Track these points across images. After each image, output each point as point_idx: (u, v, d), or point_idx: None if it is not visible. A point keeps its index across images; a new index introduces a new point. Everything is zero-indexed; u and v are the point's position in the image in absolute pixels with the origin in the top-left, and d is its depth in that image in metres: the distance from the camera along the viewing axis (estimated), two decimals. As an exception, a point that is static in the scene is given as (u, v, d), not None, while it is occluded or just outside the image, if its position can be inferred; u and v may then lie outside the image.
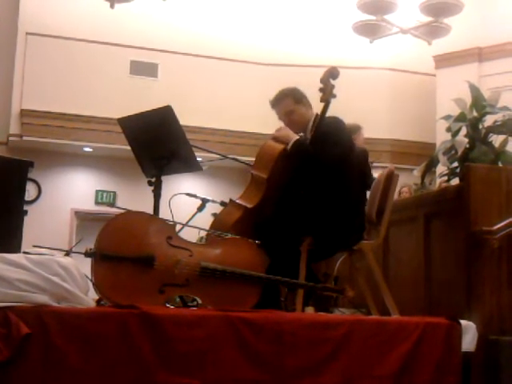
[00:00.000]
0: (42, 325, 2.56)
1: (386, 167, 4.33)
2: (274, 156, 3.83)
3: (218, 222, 3.77)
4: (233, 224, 3.66)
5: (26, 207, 3.68)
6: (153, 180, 3.81)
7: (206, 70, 10.87)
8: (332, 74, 3.86)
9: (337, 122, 3.90)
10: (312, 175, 3.81)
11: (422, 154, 8.99)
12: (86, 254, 2.92)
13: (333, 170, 3.77)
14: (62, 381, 2.56)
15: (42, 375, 2.53)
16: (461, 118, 5.15)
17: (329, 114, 3.89)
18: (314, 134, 3.84)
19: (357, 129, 5.74)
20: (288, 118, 4.00)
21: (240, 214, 3.73)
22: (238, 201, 3.83)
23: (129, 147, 4.00)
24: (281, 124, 4.08)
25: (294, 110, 3.99)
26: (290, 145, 3.82)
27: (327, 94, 3.83)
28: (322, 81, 3.87)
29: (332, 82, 3.85)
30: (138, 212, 3.15)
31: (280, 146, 3.86)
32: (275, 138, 3.92)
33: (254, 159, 3.98)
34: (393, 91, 11.13)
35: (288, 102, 4.01)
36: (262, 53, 11.04)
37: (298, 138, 3.87)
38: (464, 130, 5.17)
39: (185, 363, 2.77)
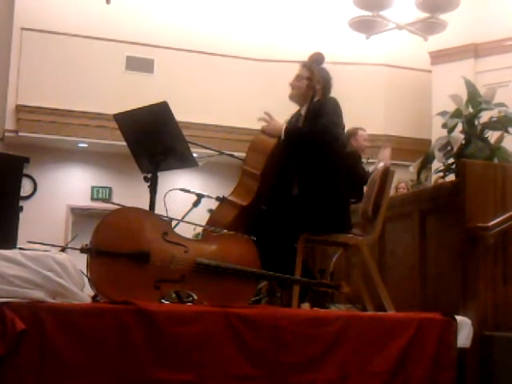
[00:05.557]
0: (38, 321, 2.56)
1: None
2: (267, 151, 3.81)
3: (213, 222, 3.74)
4: (229, 223, 3.64)
5: (21, 203, 3.66)
6: (149, 176, 3.81)
7: (202, 65, 10.85)
8: (317, 59, 3.85)
9: (333, 102, 3.89)
10: (303, 165, 3.80)
11: (417, 150, 8.99)
12: (82, 250, 2.92)
13: (326, 146, 3.76)
14: (58, 376, 2.56)
15: (38, 371, 2.53)
16: (457, 114, 5.15)
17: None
18: (305, 116, 3.86)
19: (353, 132, 5.78)
20: (294, 81, 3.98)
21: (236, 213, 3.71)
22: (231, 198, 3.81)
23: (125, 143, 3.99)
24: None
25: (305, 80, 3.93)
26: (283, 133, 3.81)
27: (314, 80, 3.84)
28: (307, 67, 3.87)
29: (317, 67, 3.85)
30: (133, 208, 3.15)
31: (273, 141, 3.84)
32: (265, 132, 3.91)
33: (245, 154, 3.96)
34: (389, 87, 11.13)
35: (306, 72, 3.95)
36: (258, 49, 11.03)
37: (286, 125, 3.87)
38: (460, 127, 5.17)
39: (180, 359, 2.77)
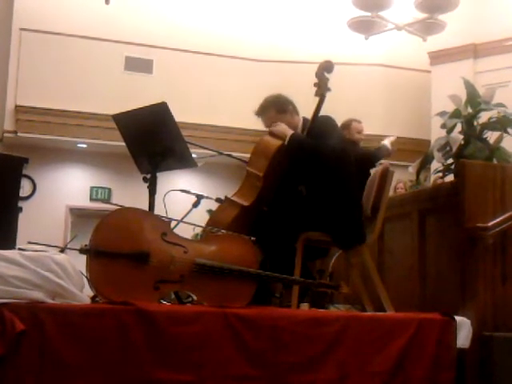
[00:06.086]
0: (37, 321, 2.56)
1: (381, 163, 4.35)
2: (270, 153, 3.82)
3: (214, 221, 3.75)
4: (229, 222, 3.65)
5: (20, 204, 3.67)
6: (148, 176, 3.81)
7: (202, 66, 10.86)
8: (326, 67, 3.86)
9: (329, 119, 3.90)
10: (309, 170, 3.81)
11: (416, 151, 8.99)
12: (81, 251, 2.92)
13: (329, 163, 3.77)
14: (57, 377, 2.56)
15: (37, 371, 2.52)
16: (456, 114, 5.14)
17: (323, 110, 3.89)
18: (308, 131, 3.85)
19: (347, 124, 5.76)
20: (274, 128, 3.96)
21: (236, 213, 3.71)
22: (233, 198, 3.81)
23: (124, 143, 3.99)
24: None
25: (277, 121, 3.96)
26: (287, 139, 3.81)
27: (322, 87, 3.83)
28: (316, 75, 3.87)
29: (327, 75, 3.85)
30: (132, 208, 3.15)
31: (277, 143, 3.84)
32: (272, 133, 3.92)
33: (249, 155, 3.97)
34: (388, 88, 11.14)
35: (271, 114, 4.00)
36: (258, 49, 11.04)
37: (293, 132, 3.87)
38: (459, 127, 5.17)
39: (180, 359, 2.77)
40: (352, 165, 3.96)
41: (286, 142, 3.81)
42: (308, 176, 3.82)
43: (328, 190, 3.77)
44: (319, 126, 3.82)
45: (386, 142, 5.53)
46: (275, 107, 4.00)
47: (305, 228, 3.72)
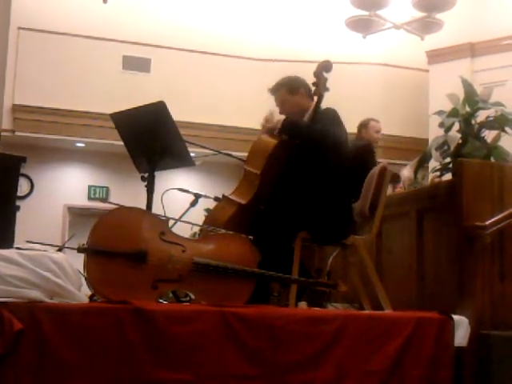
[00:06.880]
0: (35, 321, 2.56)
1: (380, 162, 4.35)
2: (267, 151, 3.83)
3: (211, 219, 3.77)
4: (226, 220, 3.66)
5: (18, 203, 3.67)
6: (146, 175, 3.80)
7: (199, 65, 10.85)
8: (325, 67, 3.87)
9: (333, 112, 3.91)
10: (305, 167, 3.81)
11: (414, 150, 8.99)
12: (79, 250, 2.92)
13: (326, 152, 3.77)
14: (56, 376, 2.56)
15: (36, 370, 2.53)
16: (453, 113, 5.16)
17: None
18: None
19: (365, 123, 5.75)
20: (281, 108, 4.06)
21: (233, 211, 3.73)
22: (231, 196, 3.82)
23: (122, 142, 3.99)
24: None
25: (286, 100, 4.04)
26: (280, 123, 3.84)
27: (320, 87, 3.84)
28: (315, 74, 3.88)
29: (325, 75, 3.86)
30: (130, 207, 3.15)
31: (274, 141, 3.86)
32: (266, 132, 3.93)
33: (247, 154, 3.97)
34: (385, 86, 11.13)
35: (282, 92, 4.08)
36: (256, 48, 11.03)
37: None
38: (457, 126, 5.19)
39: (178, 358, 2.77)
40: (348, 158, 3.95)
41: (279, 125, 3.84)
42: (301, 174, 3.82)
43: (318, 182, 3.76)
44: (323, 116, 3.83)
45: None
46: (287, 87, 4.07)
47: (301, 227, 3.73)
